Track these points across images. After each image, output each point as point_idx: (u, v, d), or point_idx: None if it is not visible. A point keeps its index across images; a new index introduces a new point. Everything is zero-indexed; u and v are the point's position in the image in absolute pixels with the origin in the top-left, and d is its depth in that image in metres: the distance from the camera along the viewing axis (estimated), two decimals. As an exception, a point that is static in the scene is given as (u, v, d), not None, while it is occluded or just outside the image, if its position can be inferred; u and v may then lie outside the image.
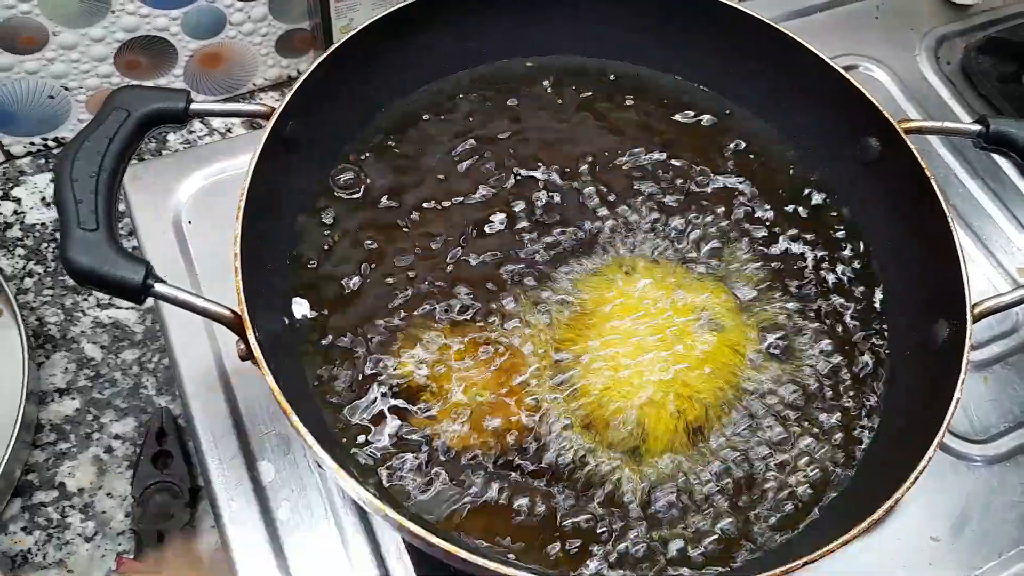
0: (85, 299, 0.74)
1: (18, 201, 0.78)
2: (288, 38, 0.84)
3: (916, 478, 0.43)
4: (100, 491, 0.66)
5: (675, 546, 0.50)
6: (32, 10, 0.70)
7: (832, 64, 0.57)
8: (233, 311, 0.44)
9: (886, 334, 0.57)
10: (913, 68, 0.82)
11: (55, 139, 0.81)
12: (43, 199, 0.78)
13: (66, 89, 0.77)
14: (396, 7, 0.56)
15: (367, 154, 0.62)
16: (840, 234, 0.62)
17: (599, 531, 0.50)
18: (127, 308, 0.74)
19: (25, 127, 0.79)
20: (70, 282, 0.75)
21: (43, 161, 0.80)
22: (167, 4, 0.75)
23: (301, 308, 0.53)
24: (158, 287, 0.42)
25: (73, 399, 0.69)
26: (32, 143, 0.80)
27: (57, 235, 0.76)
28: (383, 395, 0.52)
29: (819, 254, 0.61)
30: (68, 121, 0.80)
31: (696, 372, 0.54)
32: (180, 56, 0.80)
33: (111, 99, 0.45)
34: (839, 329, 0.58)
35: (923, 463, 0.43)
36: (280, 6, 0.80)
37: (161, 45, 0.78)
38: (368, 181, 0.61)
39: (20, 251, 0.76)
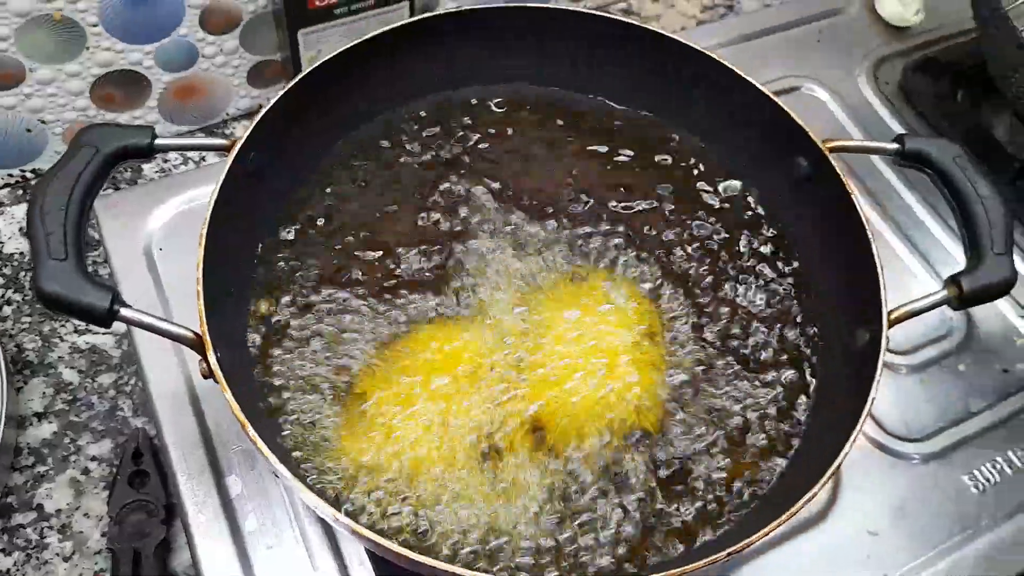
0: (63, 325, 0.75)
1: (-4, 231, 0.80)
2: (259, 69, 0.86)
3: (829, 477, 0.46)
4: (77, 512, 0.67)
5: (603, 538, 0.53)
6: (9, 48, 0.72)
7: (761, 88, 0.61)
8: (195, 332, 0.46)
9: (816, 341, 0.61)
10: (853, 88, 0.86)
11: (33, 170, 0.83)
12: (21, 229, 0.80)
13: (43, 122, 0.79)
14: (351, 44, 0.60)
15: (329, 181, 0.65)
16: (773, 248, 0.65)
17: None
18: (104, 333, 0.76)
19: (2, 159, 0.81)
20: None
21: (21, 192, 0.82)
22: (140, 39, 0.77)
23: (259, 330, 0.56)
24: (124, 312, 0.44)
25: (51, 423, 0.71)
26: (10, 175, 0.82)
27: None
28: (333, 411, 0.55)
29: (754, 265, 0.64)
30: (45, 153, 0.82)
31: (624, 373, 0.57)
32: (154, 88, 0.82)
33: (79, 136, 0.48)
34: (772, 337, 0.61)
35: (836, 462, 0.46)
36: (251, 39, 0.83)
37: (135, 78, 0.80)
38: (329, 206, 0.64)
39: (-2, 280, 0.78)
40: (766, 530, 0.44)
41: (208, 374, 0.46)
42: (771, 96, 0.60)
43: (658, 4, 1.04)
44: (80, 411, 0.72)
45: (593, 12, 0.67)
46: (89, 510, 0.67)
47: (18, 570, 0.65)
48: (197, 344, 0.46)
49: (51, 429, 0.71)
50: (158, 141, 0.50)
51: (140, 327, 0.45)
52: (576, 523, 0.53)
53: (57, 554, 0.66)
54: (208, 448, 0.58)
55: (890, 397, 0.67)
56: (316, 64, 0.58)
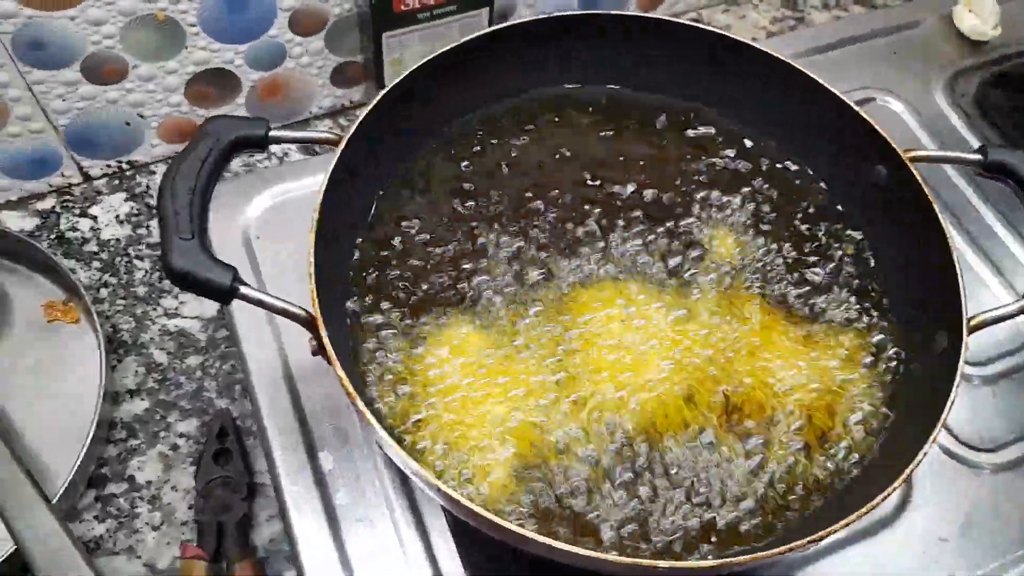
0: (154, 309, 0.80)
1: (94, 219, 0.84)
2: (341, 70, 0.90)
3: (902, 481, 0.46)
4: (166, 484, 0.71)
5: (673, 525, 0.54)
6: (115, 45, 0.77)
7: (843, 97, 0.62)
8: (307, 311, 0.49)
9: (897, 343, 0.61)
10: (929, 101, 0.86)
11: (129, 162, 0.88)
12: (117, 217, 0.85)
13: (141, 117, 0.84)
14: (446, 48, 0.63)
15: (417, 176, 0.68)
16: (852, 251, 0.66)
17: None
18: (192, 318, 0.80)
19: (103, 151, 0.85)
20: (141, 292, 0.81)
21: (117, 182, 0.87)
22: (234, 39, 0.81)
23: (355, 310, 0.58)
24: (243, 289, 0.47)
25: (143, 400, 0.74)
26: (108, 165, 0.87)
27: (129, 250, 0.83)
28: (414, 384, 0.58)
29: (834, 268, 0.65)
30: (142, 146, 0.87)
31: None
32: (243, 86, 0.86)
33: (204, 127, 0.52)
34: (851, 337, 0.62)
35: (910, 467, 0.47)
36: (335, 41, 0.86)
37: (226, 76, 0.84)
38: (417, 197, 0.67)
39: (96, 264, 0.82)
40: (833, 527, 0.45)
41: (317, 351, 0.49)
42: (853, 105, 0.61)
43: (728, 15, 1.05)
44: (169, 390, 0.75)
45: (665, 18, 0.69)
46: (177, 483, 0.71)
47: (110, 536, 0.68)
48: (309, 322, 0.49)
49: (143, 406, 0.74)
50: (272, 133, 0.54)
51: (257, 304, 0.48)
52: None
53: (147, 523, 0.69)
54: (302, 425, 0.62)
55: (963, 407, 0.68)
56: (415, 66, 0.61)
